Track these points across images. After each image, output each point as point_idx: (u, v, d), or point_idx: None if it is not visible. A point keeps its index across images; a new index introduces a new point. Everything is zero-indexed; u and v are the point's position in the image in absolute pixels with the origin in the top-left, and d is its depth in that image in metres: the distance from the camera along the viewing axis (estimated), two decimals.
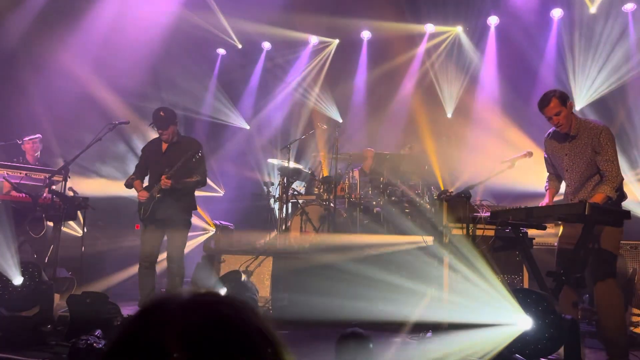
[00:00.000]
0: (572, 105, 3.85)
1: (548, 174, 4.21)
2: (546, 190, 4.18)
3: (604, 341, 3.61)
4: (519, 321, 3.07)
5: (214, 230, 7.28)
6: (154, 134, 5.42)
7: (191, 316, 0.70)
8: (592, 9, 7.82)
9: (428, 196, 6.92)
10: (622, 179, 3.67)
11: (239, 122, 10.14)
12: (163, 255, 5.20)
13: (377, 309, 4.88)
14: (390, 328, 4.67)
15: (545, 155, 4.10)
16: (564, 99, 3.81)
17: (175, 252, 5.01)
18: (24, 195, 5.29)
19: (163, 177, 4.84)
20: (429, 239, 4.58)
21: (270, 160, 8.77)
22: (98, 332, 3.66)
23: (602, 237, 3.59)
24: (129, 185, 5.18)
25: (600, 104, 7.68)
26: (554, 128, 3.94)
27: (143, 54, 8.41)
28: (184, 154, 4.92)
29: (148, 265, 5.01)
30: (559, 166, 3.98)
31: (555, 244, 3.95)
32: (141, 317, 0.73)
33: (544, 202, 4.02)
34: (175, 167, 4.87)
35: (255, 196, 8.83)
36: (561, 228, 3.89)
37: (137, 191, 5.04)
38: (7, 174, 5.24)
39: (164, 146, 5.14)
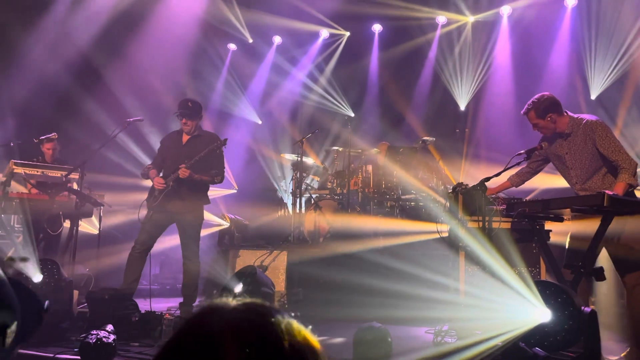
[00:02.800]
0: (554, 118, 3.83)
1: (526, 165, 4.17)
2: (508, 180, 4.23)
3: (633, 333, 3.57)
4: (537, 313, 3.05)
5: (228, 224, 7.31)
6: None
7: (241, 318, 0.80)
8: None
9: (442, 189, 6.89)
10: (637, 164, 3.63)
11: (251, 116, 10.14)
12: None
13: (394, 304, 4.88)
14: (407, 322, 4.68)
15: (538, 148, 3.97)
16: (543, 111, 3.83)
17: (190, 249, 4.92)
18: (41, 193, 5.35)
19: (182, 166, 4.75)
20: (444, 228, 4.55)
21: (283, 155, 8.77)
22: (109, 326, 3.68)
23: (627, 228, 3.52)
24: (144, 174, 5.15)
25: (615, 89, 7.59)
26: None
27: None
28: (206, 147, 4.86)
29: (140, 251, 4.89)
30: (561, 165, 3.97)
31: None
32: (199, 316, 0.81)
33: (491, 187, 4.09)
34: (195, 157, 4.80)
35: (268, 191, 8.85)
36: (572, 223, 3.85)
37: (152, 180, 4.98)
38: (24, 172, 5.30)
39: (185, 138, 5.09)
